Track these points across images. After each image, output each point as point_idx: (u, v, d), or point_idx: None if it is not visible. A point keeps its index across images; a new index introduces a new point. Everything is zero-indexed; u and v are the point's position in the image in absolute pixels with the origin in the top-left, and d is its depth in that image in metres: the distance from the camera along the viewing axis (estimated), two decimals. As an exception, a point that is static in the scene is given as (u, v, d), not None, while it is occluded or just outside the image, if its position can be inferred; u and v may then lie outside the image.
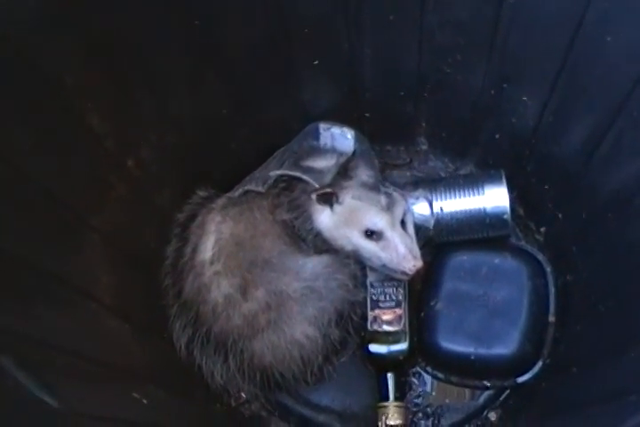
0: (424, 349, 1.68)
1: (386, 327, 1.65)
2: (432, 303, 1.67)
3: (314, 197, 1.57)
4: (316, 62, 1.63)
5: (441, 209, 1.73)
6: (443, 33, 1.50)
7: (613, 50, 1.26)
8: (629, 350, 1.25)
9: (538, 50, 1.41)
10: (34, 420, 0.91)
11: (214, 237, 1.60)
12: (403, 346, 1.64)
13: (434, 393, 1.72)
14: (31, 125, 1.13)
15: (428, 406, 1.71)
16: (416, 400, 1.72)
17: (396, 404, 1.62)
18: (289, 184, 1.63)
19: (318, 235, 1.62)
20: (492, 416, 1.68)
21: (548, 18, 1.33)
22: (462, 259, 1.70)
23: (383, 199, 1.57)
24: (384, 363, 1.66)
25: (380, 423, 1.61)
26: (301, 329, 1.56)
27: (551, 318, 1.68)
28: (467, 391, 1.71)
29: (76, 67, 1.21)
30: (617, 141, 1.38)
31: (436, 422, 1.70)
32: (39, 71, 1.13)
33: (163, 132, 1.51)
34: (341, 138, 1.74)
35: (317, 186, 1.56)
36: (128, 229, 1.44)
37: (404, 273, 1.55)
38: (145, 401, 1.20)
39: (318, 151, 1.72)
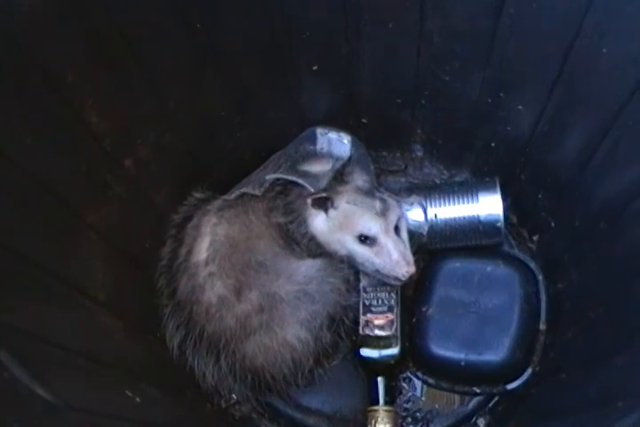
0: (415, 354, 1.68)
1: (377, 332, 1.66)
2: (424, 309, 1.67)
3: (309, 201, 1.58)
4: (316, 68, 1.63)
5: (435, 216, 1.74)
6: (441, 40, 1.51)
7: (609, 60, 1.27)
8: (617, 357, 1.26)
9: (535, 59, 1.42)
10: (29, 412, 0.91)
11: (209, 238, 1.60)
12: (394, 351, 1.64)
13: (423, 398, 1.73)
14: (30, 122, 1.14)
15: (417, 410, 1.72)
16: (406, 405, 1.72)
17: (385, 408, 1.63)
18: (285, 188, 1.64)
19: (312, 239, 1.63)
20: (481, 422, 1.69)
21: (546, 28, 1.33)
22: (455, 266, 1.71)
23: (378, 205, 1.58)
24: (375, 367, 1.66)
25: (369, 427, 1.62)
26: (293, 332, 1.56)
27: (542, 326, 1.68)
28: (456, 397, 1.72)
29: (76, 64, 1.21)
30: (611, 151, 1.39)
31: (425, 427, 1.71)
32: (39, 68, 1.13)
33: (161, 132, 1.51)
34: (338, 143, 1.74)
35: (313, 190, 1.57)
36: (124, 228, 1.44)
37: (396, 279, 1.56)
38: (138, 399, 1.20)
39: (315, 156, 1.73)
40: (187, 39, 1.42)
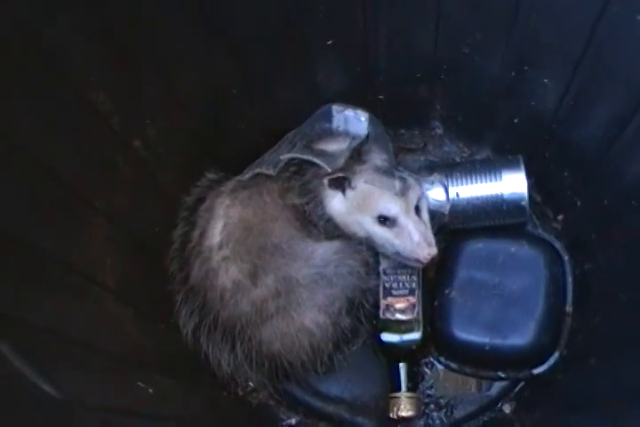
0: (437, 338, 1.66)
1: (398, 316, 1.63)
2: (446, 292, 1.64)
3: (326, 181, 1.54)
4: (330, 42, 1.59)
5: (457, 195, 1.69)
6: (461, 12, 1.46)
7: (641, 30, 1.22)
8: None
9: (561, 29, 1.36)
10: (35, 410, 0.88)
11: (222, 221, 1.57)
12: (416, 335, 1.61)
13: (447, 384, 1.69)
14: (34, 103, 1.10)
15: (440, 397, 1.69)
16: (428, 391, 1.69)
17: (408, 395, 1.59)
18: (300, 168, 1.60)
19: (330, 220, 1.58)
20: (507, 408, 1.65)
21: (573, -5, 1.29)
22: (478, 246, 1.67)
23: (397, 184, 1.53)
24: (396, 352, 1.63)
25: (391, 414, 1.59)
26: (311, 316, 1.53)
27: (568, 308, 1.65)
28: (481, 382, 1.69)
29: (81, 42, 1.18)
30: (642, 126, 1.34)
31: (449, 413, 1.67)
32: (43, 46, 1.10)
33: (170, 112, 1.48)
34: (355, 120, 1.70)
35: (329, 170, 1.53)
36: (133, 212, 1.41)
37: (417, 261, 1.51)
38: (151, 391, 1.18)
39: (331, 134, 1.69)
40: (195, 14, 1.39)
